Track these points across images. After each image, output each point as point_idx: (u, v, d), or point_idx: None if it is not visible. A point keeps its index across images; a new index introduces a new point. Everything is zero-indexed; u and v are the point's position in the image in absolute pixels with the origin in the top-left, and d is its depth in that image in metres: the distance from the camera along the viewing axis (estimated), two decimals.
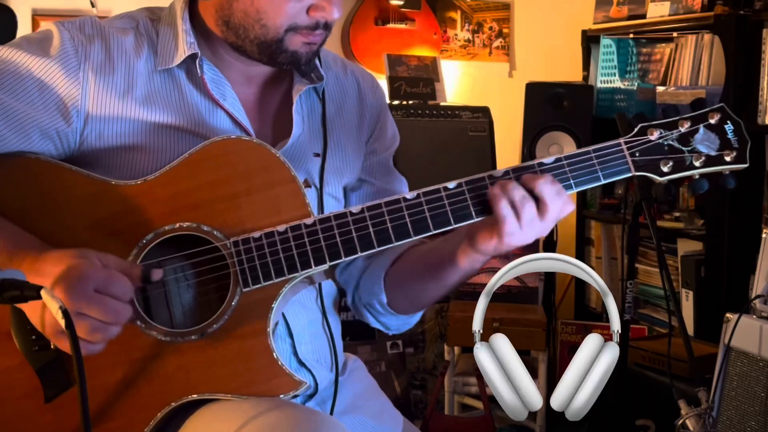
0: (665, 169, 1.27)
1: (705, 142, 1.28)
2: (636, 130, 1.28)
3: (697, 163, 1.27)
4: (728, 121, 1.28)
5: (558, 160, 1.26)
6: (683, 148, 1.27)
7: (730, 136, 1.28)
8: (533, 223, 1.22)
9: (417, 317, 1.49)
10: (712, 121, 1.28)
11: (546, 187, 1.21)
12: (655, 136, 1.28)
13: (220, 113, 1.34)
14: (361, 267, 1.46)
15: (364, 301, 1.46)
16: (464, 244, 1.29)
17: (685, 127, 1.28)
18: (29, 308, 1.15)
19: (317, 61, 1.39)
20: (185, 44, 1.31)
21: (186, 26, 1.32)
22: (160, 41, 1.34)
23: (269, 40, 1.28)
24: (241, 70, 1.37)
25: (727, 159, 1.27)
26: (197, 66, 1.32)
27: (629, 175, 1.28)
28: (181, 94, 1.33)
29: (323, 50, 1.42)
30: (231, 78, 1.36)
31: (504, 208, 1.20)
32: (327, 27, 1.31)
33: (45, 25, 1.36)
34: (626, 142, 1.27)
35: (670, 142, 1.28)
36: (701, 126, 1.28)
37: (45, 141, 1.26)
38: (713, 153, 1.27)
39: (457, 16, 4.15)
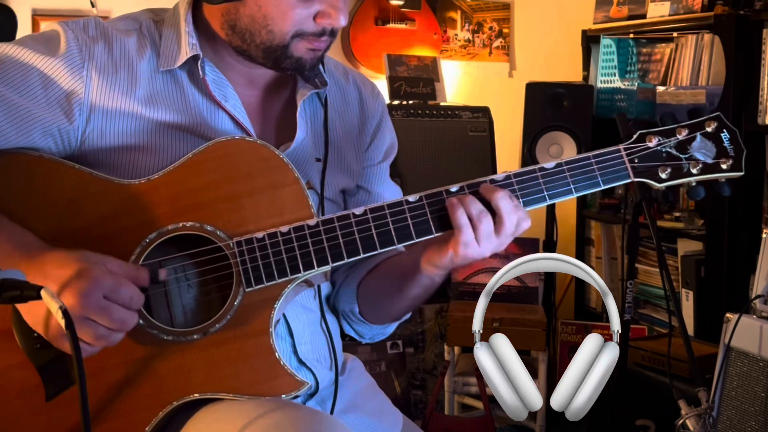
0: (663, 176, 1.29)
1: (702, 150, 1.30)
2: (635, 136, 1.30)
3: (694, 171, 1.29)
4: (724, 130, 1.31)
5: (558, 165, 1.28)
6: (681, 156, 1.29)
7: (726, 144, 1.30)
8: (490, 237, 1.23)
9: (392, 328, 1.51)
10: (709, 130, 1.30)
11: (504, 201, 1.23)
12: (653, 143, 1.30)
13: (221, 114, 1.34)
14: (342, 275, 1.48)
15: (339, 308, 1.48)
16: (422, 258, 1.30)
17: (682, 135, 1.30)
18: (29, 310, 1.14)
19: (321, 67, 1.39)
20: (188, 45, 1.32)
21: (189, 28, 1.33)
22: (162, 43, 1.34)
23: (275, 46, 1.29)
24: (243, 72, 1.37)
25: (723, 167, 1.30)
26: (199, 67, 1.32)
27: (629, 180, 1.30)
28: (183, 94, 1.33)
29: (324, 57, 1.42)
30: (233, 80, 1.36)
31: (461, 218, 1.22)
32: (332, 33, 1.31)
33: (46, 25, 1.36)
34: (626, 149, 1.30)
35: (668, 150, 1.30)
36: (698, 134, 1.30)
37: (46, 138, 1.26)
38: (710, 161, 1.30)
39: (457, 16, 4.14)
